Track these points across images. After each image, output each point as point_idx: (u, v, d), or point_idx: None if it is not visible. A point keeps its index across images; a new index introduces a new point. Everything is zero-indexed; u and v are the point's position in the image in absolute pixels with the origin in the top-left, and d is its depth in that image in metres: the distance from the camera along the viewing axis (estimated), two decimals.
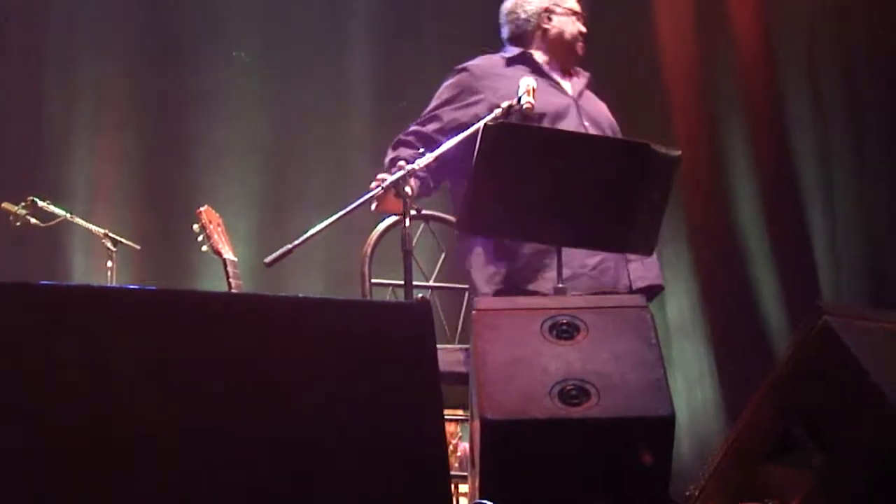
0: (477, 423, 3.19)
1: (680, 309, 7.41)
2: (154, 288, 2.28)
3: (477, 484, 3.18)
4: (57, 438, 2.10)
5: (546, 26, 4.93)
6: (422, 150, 4.38)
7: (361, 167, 6.91)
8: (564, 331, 3.26)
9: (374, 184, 4.30)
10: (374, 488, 2.24)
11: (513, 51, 4.91)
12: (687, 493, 3.55)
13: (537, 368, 3.17)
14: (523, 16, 4.95)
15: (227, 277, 5.14)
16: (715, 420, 7.36)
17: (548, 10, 4.94)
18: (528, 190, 4.04)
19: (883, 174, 6.52)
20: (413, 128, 4.72)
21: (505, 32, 5.01)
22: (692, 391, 7.40)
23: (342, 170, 7.09)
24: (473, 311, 3.34)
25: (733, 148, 7.08)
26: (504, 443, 3.10)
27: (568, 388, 3.13)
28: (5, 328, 2.12)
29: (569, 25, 4.95)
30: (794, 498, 3.28)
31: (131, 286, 2.08)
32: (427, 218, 4.88)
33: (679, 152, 4.21)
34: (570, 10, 4.97)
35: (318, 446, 2.18)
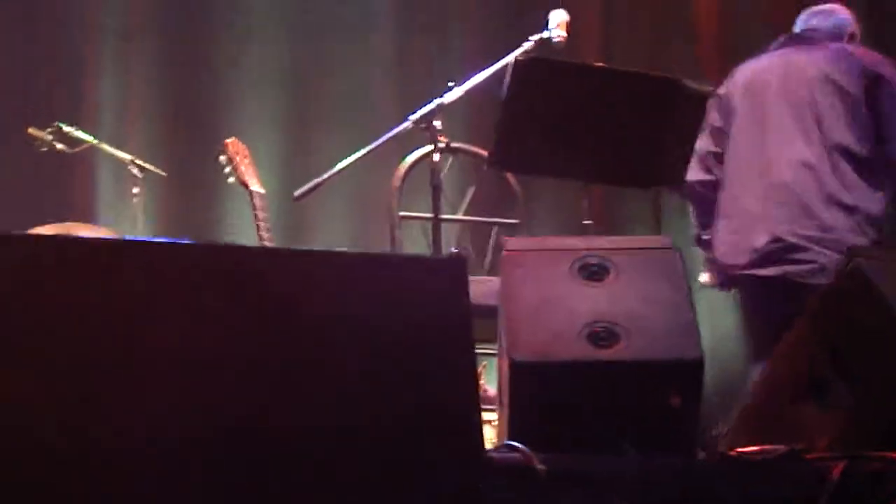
0: (505, 363, 3.19)
1: None
2: (181, 241, 2.26)
3: (505, 424, 3.19)
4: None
5: None
6: None
7: (387, 89, 6.89)
8: (594, 272, 3.24)
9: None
10: (407, 460, 2.24)
11: None
12: (715, 433, 3.56)
13: (566, 309, 3.16)
14: None
15: (254, 209, 5.14)
16: (737, 350, 7.38)
17: None
18: (559, 125, 4.03)
19: None
20: None
21: None
22: (715, 318, 7.42)
23: (366, 93, 7.03)
24: (503, 252, 3.33)
25: None
26: (532, 384, 3.10)
27: (597, 329, 3.12)
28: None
29: None
30: (822, 439, 3.28)
31: (154, 239, 2.05)
32: (456, 151, 4.86)
33: (710, 87, 4.20)
34: None
35: (355, 413, 2.18)
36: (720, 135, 4.98)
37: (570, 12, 4.42)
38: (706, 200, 5.05)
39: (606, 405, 3.09)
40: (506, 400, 3.19)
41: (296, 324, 2.18)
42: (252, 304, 2.15)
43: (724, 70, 6.44)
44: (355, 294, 2.21)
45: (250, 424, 2.14)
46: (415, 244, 4.90)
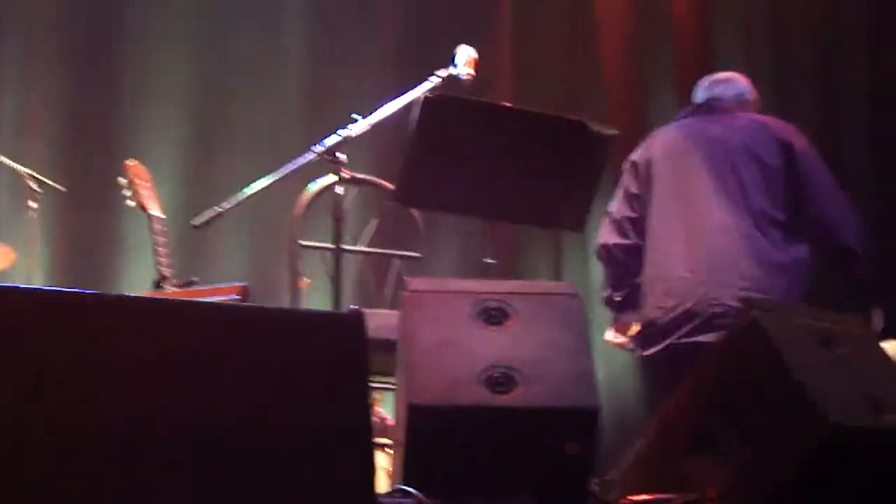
0: (402, 404, 3.18)
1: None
2: (76, 291, 2.24)
3: (400, 464, 3.18)
4: None
5: None
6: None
7: (294, 118, 6.85)
8: (494, 315, 3.24)
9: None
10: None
11: None
12: (607, 479, 3.57)
13: (465, 353, 3.16)
14: None
15: (153, 233, 5.08)
16: (632, 379, 7.43)
17: None
18: (465, 162, 4.03)
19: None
20: None
21: None
22: (612, 352, 7.47)
23: (273, 121, 6.99)
24: (405, 292, 3.32)
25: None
26: (428, 427, 3.09)
27: (495, 374, 3.12)
28: None
29: None
30: (713, 490, 3.30)
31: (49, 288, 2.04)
32: (360, 182, 4.84)
33: (614, 131, 4.23)
34: None
35: (242, 451, 2.16)
36: (637, 201, 5.09)
37: (479, 50, 4.43)
38: (621, 263, 5.12)
39: (503, 450, 3.09)
40: (402, 439, 3.18)
41: (186, 372, 2.15)
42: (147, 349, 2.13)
43: (632, 113, 6.55)
44: (254, 345, 2.19)
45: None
46: (315, 273, 4.88)
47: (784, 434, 3.23)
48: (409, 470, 3.07)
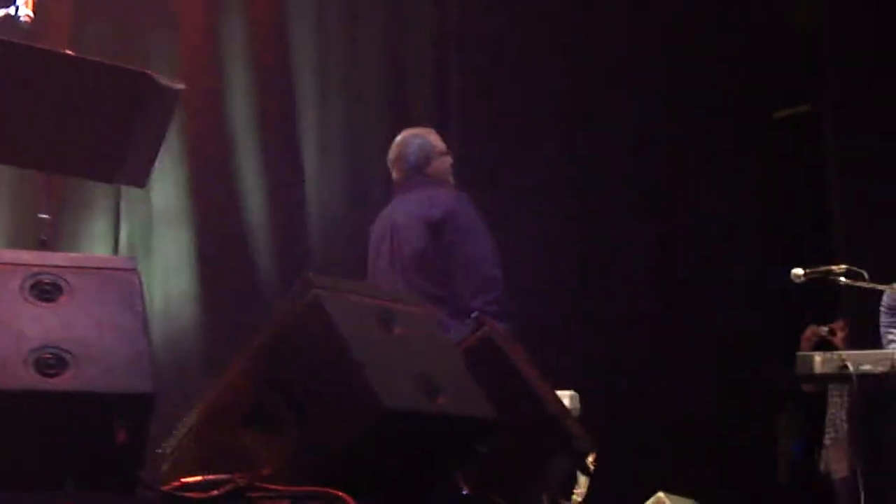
0: None
1: (166, 197, 7.41)
2: None
3: None
4: None
5: None
6: None
7: None
8: (47, 291, 3.06)
9: None
10: None
11: None
12: (159, 451, 3.48)
13: (14, 333, 2.96)
14: None
15: None
16: (189, 309, 7.42)
17: None
18: (18, 112, 3.81)
19: None
20: None
21: None
22: (168, 278, 7.43)
23: None
24: None
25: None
26: None
27: (45, 356, 2.94)
28: None
29: None
30: (266, 468, 3.28)
31: None
32: None
33: (182, 85, 4.10)
34: None
35: None
36: None
37: None
38: None
39: (51, 437, 2.93)
40: None
41: None
42: None
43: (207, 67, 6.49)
44: None
45: None
46: None
47: (339, 414, 3.25)
48: None
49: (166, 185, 7.28)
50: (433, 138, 5.48)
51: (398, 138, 5.55)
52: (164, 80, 3.98)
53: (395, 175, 5.50)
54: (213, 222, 7.40)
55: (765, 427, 7.47)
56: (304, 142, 7.39)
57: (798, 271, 5.41)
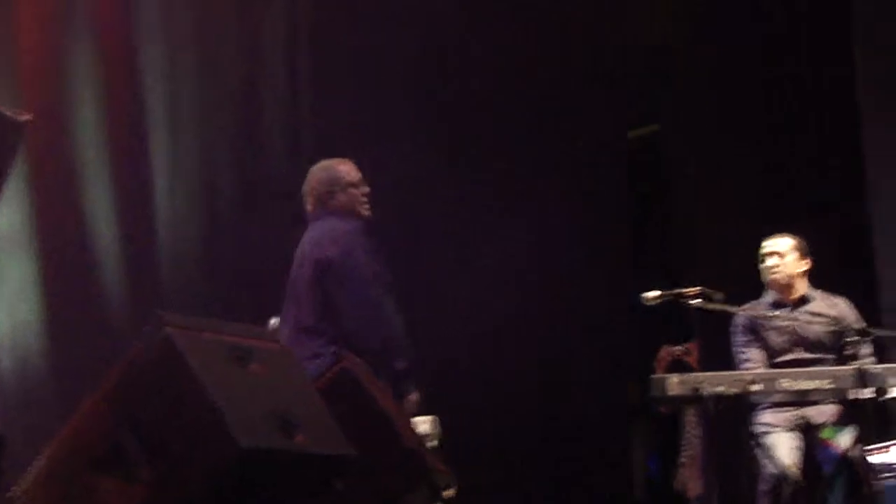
0: None
1: (10, 222, 7.24)
2: None
3: None
4: None
5: None
6: None
7: None
8: None
9: None
10: None
11: None
12: (9, 495, 3.38)
13: None
14: None
15: None
16: (36, 337, 7.26)
17: None
18: None
19: None
20: None
21: None
22: (15, 306, 7.26)
23: None
24: None
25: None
26: None
27: None
28: None
29: None
30: None
31: None
32: None
33: (28, 116, 4.00)
34: None
35: None
36: None
37: None
38: None
39: None
40: None
41: None
42: None
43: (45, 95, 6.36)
44: None
45: None
46: None
47: (194, 454, 3.19)
48: None
49: (10, 212, 7.10)
50: (343, 168, 5.36)
51: (312, 168, 5.46)
52: (9, 112, 3.87)
53: (306, 206, 5.42)
54: (59, 249, 7.24)
55: (620, 441, 7.56)
56: (154, 164, 7.31)
57: (649, 294, 5.45)
